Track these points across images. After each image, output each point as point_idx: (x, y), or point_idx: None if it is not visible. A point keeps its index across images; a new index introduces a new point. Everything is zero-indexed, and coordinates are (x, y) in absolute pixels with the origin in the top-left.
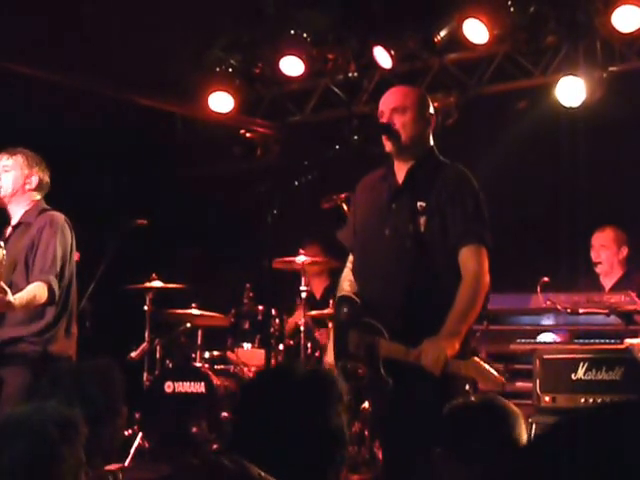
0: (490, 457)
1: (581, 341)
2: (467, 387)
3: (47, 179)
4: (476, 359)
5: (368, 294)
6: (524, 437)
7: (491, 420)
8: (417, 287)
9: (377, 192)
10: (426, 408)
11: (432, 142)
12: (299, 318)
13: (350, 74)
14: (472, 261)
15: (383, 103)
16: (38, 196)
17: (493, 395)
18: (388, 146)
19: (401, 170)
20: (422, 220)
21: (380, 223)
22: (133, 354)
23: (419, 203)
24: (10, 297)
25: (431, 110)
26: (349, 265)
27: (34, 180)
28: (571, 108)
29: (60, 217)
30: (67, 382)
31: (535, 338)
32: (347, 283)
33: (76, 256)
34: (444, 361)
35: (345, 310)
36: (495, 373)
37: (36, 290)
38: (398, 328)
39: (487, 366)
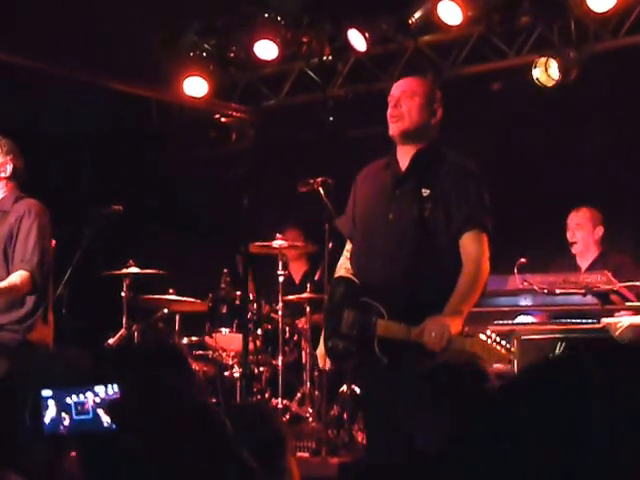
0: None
1: (558, 321)
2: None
3: (21, 166)
4: (481, 336)
5: (369, 276)
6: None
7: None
8: (418, 269)
9: (380, 180)
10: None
11: (437, 135)
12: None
13: (325, 57)
14: (473, 247)
15: (395, 88)
16: (12, 183)
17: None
18: (392, 130)
19: (404, 158)
20: (426, 206)
21: (383, 209)
22: (111, 341)
23: (423, 190)
24: None
25: (440, 104)
26: (346, 254)
27: (8, 168)
28: (546, 89)
29: (37, 204)
30: None
31: (513, 319)
32: (343, 270)
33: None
34: (447, 338)
35: (342, 290)
36: (501, 350)
37: (18, 279)
38: (398, 309)
39: (492, 343)
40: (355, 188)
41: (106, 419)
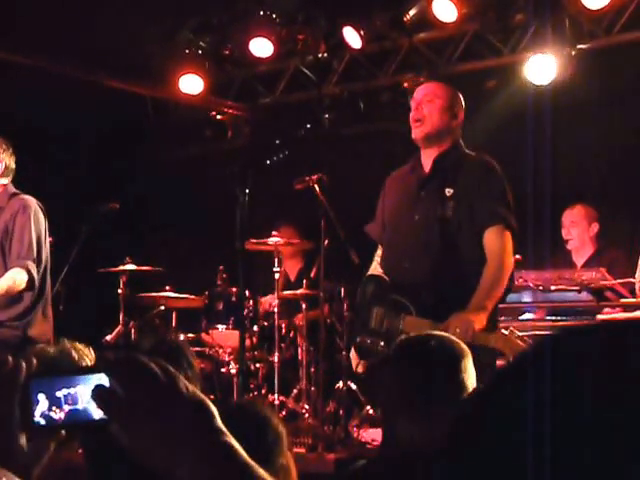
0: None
1: (553, 318)
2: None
3: (13, 164)
4: (504, 332)
5: (397, 275)
6: (471, 379)
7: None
8: (444, 267)
9: (406, 184)
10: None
11: (459, 138)
12: (272, 300)
13: (320, 55)
14: (497, 242)
15: (417, 92)
16: (5, 181)
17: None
18: (415, 134)
19: (427, 160)
20: (450, 205)
21: (410, 210)
22: (108, 337)
23: (447, 189)
24: None
25: (461, 107)
26: (377, 259)
27: (1, 166)
28: (540, 86)
29: (32, 201)
30: None
31: (507, 316)
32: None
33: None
34: (472, 333)
35: (372, 288)
36: (522, 344)
37: (15, 276)
38: (425, 306)
39: (515, 338)
40: (383, 194)
41: (99, 413)
